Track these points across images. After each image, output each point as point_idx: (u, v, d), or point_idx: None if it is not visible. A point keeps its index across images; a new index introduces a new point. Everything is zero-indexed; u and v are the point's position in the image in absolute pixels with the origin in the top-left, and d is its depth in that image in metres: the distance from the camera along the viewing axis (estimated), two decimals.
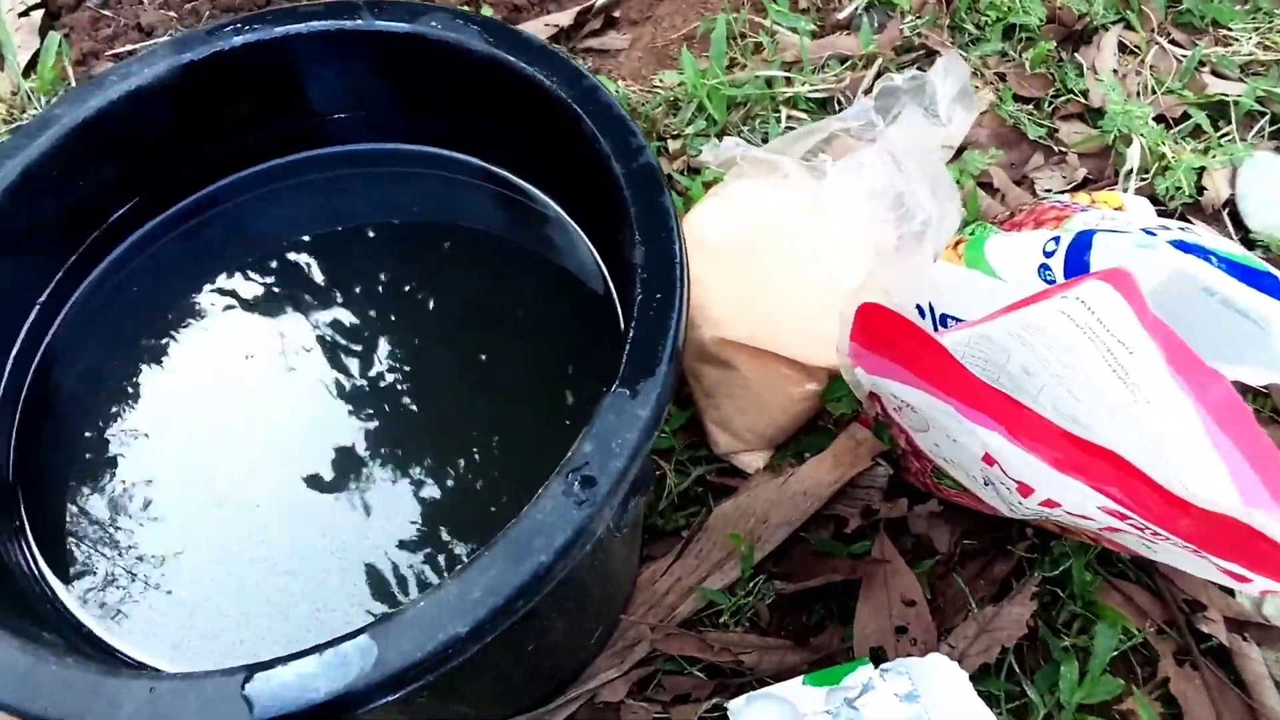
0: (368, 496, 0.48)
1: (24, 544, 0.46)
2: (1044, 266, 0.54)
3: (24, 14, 0.99)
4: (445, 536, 0.48)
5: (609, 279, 0.51)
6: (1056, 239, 0.52)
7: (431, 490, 0.49)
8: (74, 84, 0.93)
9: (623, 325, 0.50)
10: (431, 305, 0.53)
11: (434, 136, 0.54)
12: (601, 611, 0.59)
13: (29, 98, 0.91)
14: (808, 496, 0.65)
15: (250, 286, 0.54)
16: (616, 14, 0.96)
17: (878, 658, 0.61)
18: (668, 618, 0.63)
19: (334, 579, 0.46)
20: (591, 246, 0.52)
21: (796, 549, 0.65)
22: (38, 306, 0.51)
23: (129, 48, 0.98)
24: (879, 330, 0.47)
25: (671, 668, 0.62)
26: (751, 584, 0.63)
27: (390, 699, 0.35)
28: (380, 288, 0.54)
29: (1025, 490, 0.45)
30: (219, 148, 0.54)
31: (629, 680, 0.62)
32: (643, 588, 0.65)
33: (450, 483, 0.49)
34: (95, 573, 0.45)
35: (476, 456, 0.49)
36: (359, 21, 0.50)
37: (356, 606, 0.45)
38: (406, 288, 0.54)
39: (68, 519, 0.47)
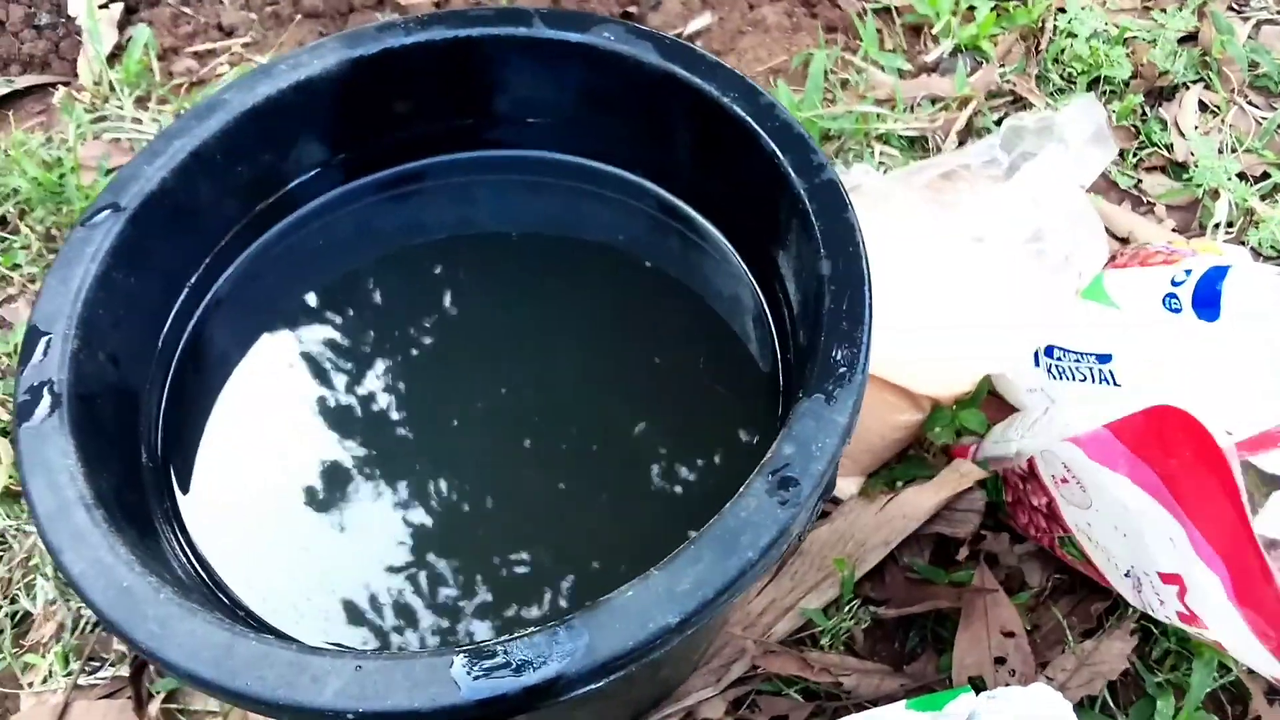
0: (514, 494, 0.48)
1: (178, 526, 0.46)
2: (1170, 295, 0.55)
3: (103, 6, 0.99)
4: (584, 542, 0.48)
5: (764, 300, 0.51)
6: (1188, 270, 0.54)
7: (574, 497, 0.49)
8: (158, 78, 0.93)
9: (779, 350, 0.50)
10: (578, 318, 0.54)
11: (597, 150, 0.55)
12: (715, 625, 0.59)
13: (113, 88, 0.91)
14: (905, 519, 0.66)
15: (391, 279, 0.55)
16: (700, 44, 0.98)
17: (976, 687, 0.61)
18: (765, 635, 0.63)
19: (477, 578, 0.46)
20: (746, 268, 0.52)
21: (891, 574, 0.65)
22: (188, 287, 0.51)
23: (209, 46, 0.99)
24: (1165, 433, 0.45)
25: (768, 689, 0.62)
26: (848, 608, 0.63)
27: (596, 686, 0.35)
28: (522, 298, 0.55)
29: (1189, 619, 0.46)
30: (377, 142, 0.54)
31: (725, 699, 0.62)
32: (736, 608, 0.65)
33: (592, 490, 0.49)
34: (243, 547, 0.45)
35: (624, 464, 0.50)
36: (530, 29, 0.51)
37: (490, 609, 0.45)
38: (546, 301, 0.54)
39: (214, 493, 0.47)
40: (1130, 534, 0.51)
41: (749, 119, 0.47)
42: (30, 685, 0.63)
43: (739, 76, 0.49)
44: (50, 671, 0.63)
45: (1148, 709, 0.60)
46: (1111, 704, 0.61)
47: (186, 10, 1.01)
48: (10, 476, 0.68)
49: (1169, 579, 0.49)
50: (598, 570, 0.45)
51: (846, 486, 0.68)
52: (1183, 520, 0.46)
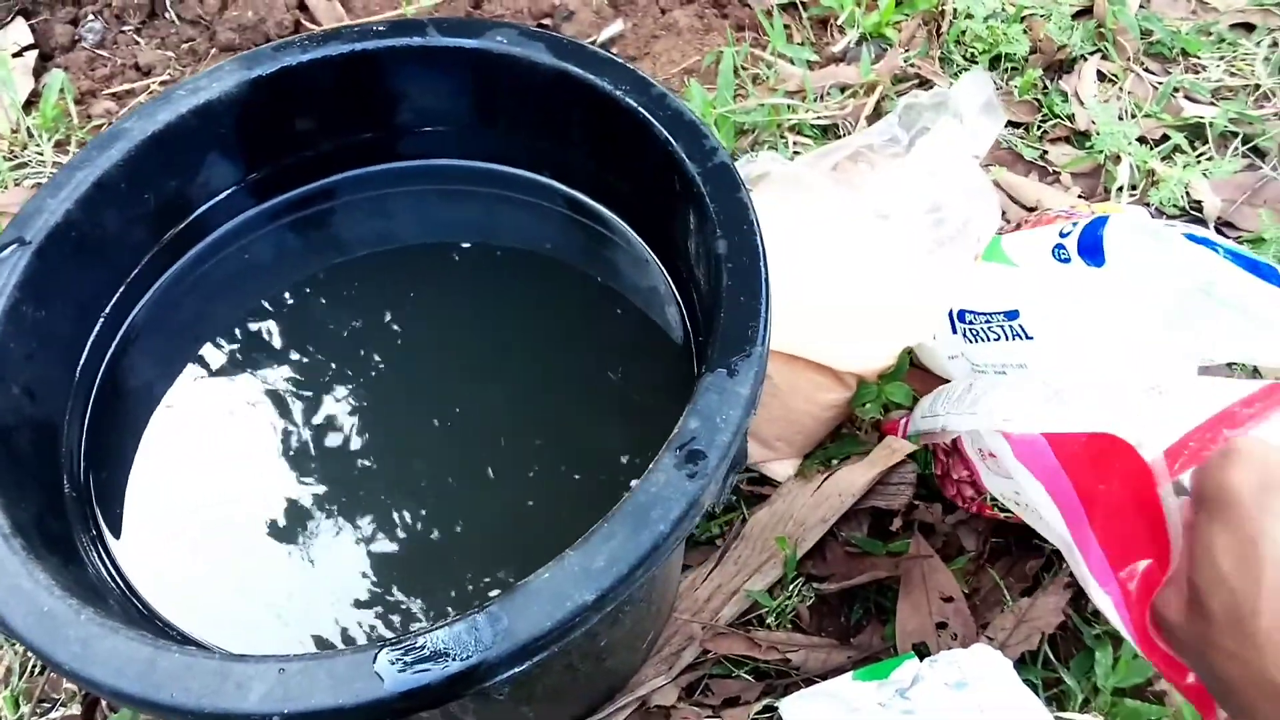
0: (437, 493, 0.49)
1: (101, 546, 0.46)
2: (1059, 246, 0.57)
3: (17, 55, 0.99)
4: (512, 530, 0.48)
5: (673, 286, 0.53)
6: (1074, 223, 0.56)
7: (500, 485, 0.49)
8: (75, 121, 0.93)
9: (691, 330, 0.52)
10: (495, 312, 0.55)
11: (498, 153, 0.56)
12: (657, 614, 0.60)
13: (30, 135, 0.91)
14: (841, 496, 0.67)
15: (302, 301, 0.55)
16: (615, 49, 0.99)
17: (920, 653, 0.63)
18: (713, 620, 0.64)
19: (412, 569, 0.47)
20: (653, 255, 0.53)
21: (831, 550, 0.66)
22: (103, 316, 0.51)
23: (127, 86, 0.99)
24: (1105, 461, 0.46)
25: (719, 671, 0.63)
26: (791, 586, 0.65)
27: (520, 669, 0.36)
28: (441, 300, 0.55)
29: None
30: (282, 162, 0.55)
31: (678, 685, 0.62)
32: (683, 595, 0.66)
33: (518, 478, 0.50)
34: (172, 570, 0.45)
35: (545, 451, 0.50)
36: (425, 38, 0.52)
37: (437, 593, 0.46)
38: (465, 300, 0.55)
39: (141, 518, 0.47)
40: (1042, 527, 0.53)
41: (641, 109, 0.49)
42: None
43: (630, 70, 0.50)
44: (1, 716, 0.62)
45: (1087, 661, 0.62)
46: (1053, 658, 0.63)
47: (102, 53, 1.01)
48: None
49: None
50: (522, 556, 0.46)
51: (783, 469, 0.70)
52: (1086, 543, 0.47)
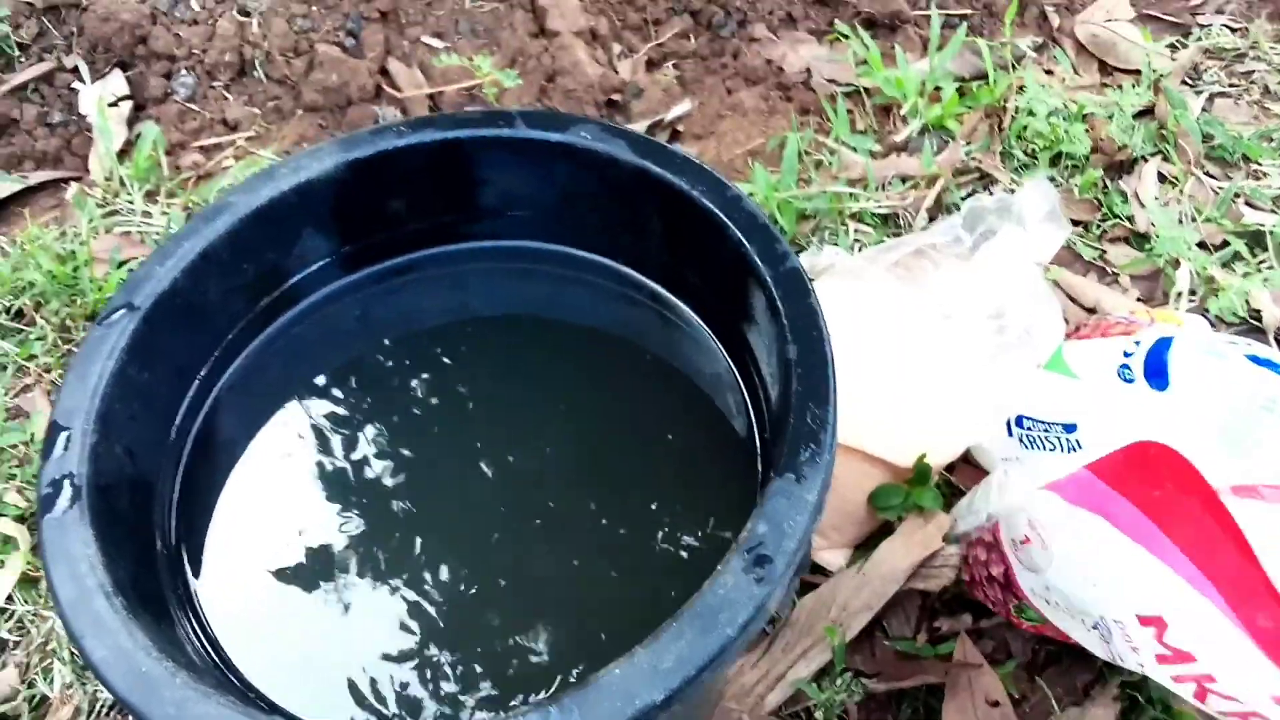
0: (500, 564, 0.51)
1: (190, 610, 0.48)
2: (1123, 367, 0.58)
3: (113, 104, 1.04)
4: (573, 620, 0.50)
5: (740, 382, 0.54)
6: (1137, 342, 0.57)
7: (564, 572, 0.51)
8: (165, 172, 0.97)
9: (757, 428, 0.53)
10: (565, 387, 0.57)
11: (578, 239, 0.58)
12: (708, 702, 0.61)
13: (123, 183, 0.96)
14: (885, 580, 0.68)
15: (384, 368, 0.58)
16: (681, 128, 1.02)
17: None
18: (757, 707, 0.64)
19: (480, 640, 0.48)
20: (724, 350, 0.55)
21: (879, 646, 0.67)
22: (198, 379, 0.54)
23: (214, 140, 1.03)
24: (1149, 468, 0.47)
25: None
26: (840, 680, 0.65)
27: None
28: (513, 379, 0.58)
29: (1170, 659, 0.48)
30: (372, 238, 0.58)
31: None
32: (731, 681, 0.66)
33: (581, 563, 0.51)
34: (261, 636, 0.47)
35: (606, 545, 0.52)
36: (513, 130, 0.55)
37: (506, 668, 0.47)
38: (537, 380, 0.57)
39: (231, 582, 0.49)
40: (1103, 581, 0.53)
41: (717, 210, 0.51)
42: None
43: (708, 170, 0.52)
44: None
45: None
46: None
47: (193, 106, 1.06)
48: (28, 563, 0.70)
49: (1148, 621, 0.51)
50: (588, 642, 0.47)
51: (835, 558, 0.71)
52: (1168, 553, 0.48)
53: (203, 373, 0.54)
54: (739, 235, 0.50)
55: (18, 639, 0.69)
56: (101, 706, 0.65)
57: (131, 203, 0.93)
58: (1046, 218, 0.61)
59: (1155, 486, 0.47)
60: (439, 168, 0.56)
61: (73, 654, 0.67)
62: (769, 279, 0.48)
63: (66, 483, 0.43)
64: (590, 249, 0.59)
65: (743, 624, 0.38)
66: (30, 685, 0.67)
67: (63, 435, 0.45)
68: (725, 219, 0.51)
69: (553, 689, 0.45)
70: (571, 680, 0.38)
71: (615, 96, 1.03)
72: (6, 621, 0.69)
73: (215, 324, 0.54)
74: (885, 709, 0.65)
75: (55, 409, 0.46)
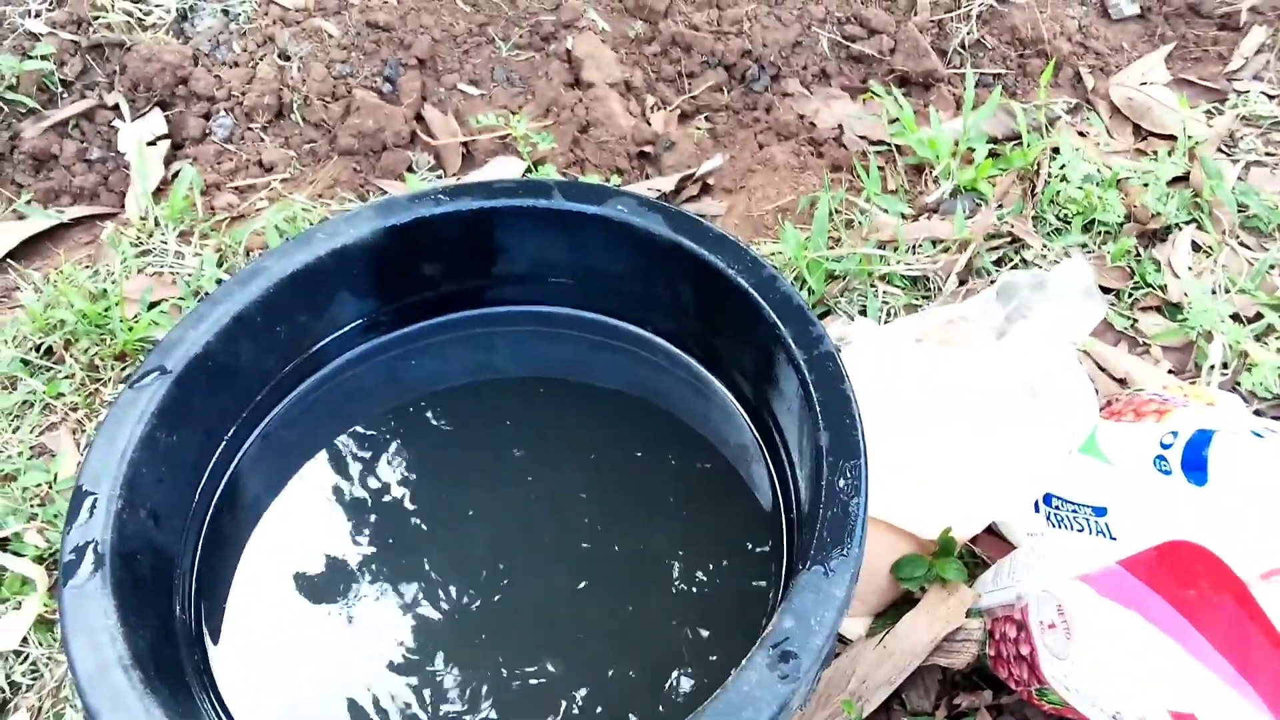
0: (534, 636, 0.50)
1: (208, 679, 0.48)
2: (1160, 458, 0.57)
3: (151, 143, 1.06)
4: (596, 687, 0.49)
5: (769, 462, 0.54)
6: (1174, 433, 0.56)
7: (586, 641, 0.51)
8: (200, 213, 0.98)
9: (784, 511, 0.53)
10: (593, 467, 0.56)
11: (612, 308, 0.58)
12: None
13: (157, 223, 0.97)
14: (906, 655, 0.67)
15: (418, 430, 0.58)
16: (712, 182, 1.02)
17: None
18: None
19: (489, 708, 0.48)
20: (754, 428, 0.55)
21: (898, 717, 0.66)
22: (225, 440, 0.54)
23: (249, 181, 1.04)
24: (1183, 566, 0.47)
25: None
26: None
27: None
28: (543, 442, 0.58)
29: None
30: (405, 301, 0.58)
31: None
32: None
33: (605, 633, 0.51)
34: (279, 707, 0.47)
35: (623, 621, 0.52)
36: (550, 201, 0.55)
37: None
38: (567, 446, 0.57)
39: (247, 649, 0.49)
40: (1133, 676, 0.52)
41: (752, 290, 0.51)
42: None
43: (743, 249, 0.52)
44: None
45: None
46: None
47: (229, 147, 1.07)
48: (44, 605, 0.70)
49: (1180, 718, 0.50)
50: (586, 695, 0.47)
51: (855, 627, 0.70)
52: (1203, 650, 0.47)
53: (230, 434, 0.54)
54: (774, 316, 0.50)
55: (30, 682, 0.69)
56: None
57: (165, 243, 0.94)
58: (1083, 295, 0.60)
59: (1189, 585, 0.46)
60: (474, 235, 0.57)
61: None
62: (803, 362, 0.48)
63: (90, 550, 0.43)
64: (622, 317, 0.59)
65: None
66: None
67: (88, 500, 0.45)
68: (760, 299, 0.51)
69: None
70: None
71: (647, 149, 1.04)
72: (21, 664, 0.69)
73: (246, 385, 0.55)
74: None
75: (82, 473, 0.46)
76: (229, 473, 0.54)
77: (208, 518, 0.53)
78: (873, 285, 0.84)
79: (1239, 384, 0.78)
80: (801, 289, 0.85)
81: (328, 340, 0.57)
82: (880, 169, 0.96)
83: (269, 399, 0.56)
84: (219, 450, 0.54)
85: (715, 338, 0.56)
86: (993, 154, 0.95)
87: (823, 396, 0.47)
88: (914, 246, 0.87)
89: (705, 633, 0.50)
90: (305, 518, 0.54)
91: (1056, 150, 0.94)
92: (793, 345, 0.49)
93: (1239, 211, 0.91)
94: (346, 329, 0.57)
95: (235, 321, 0.52)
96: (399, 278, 0.57)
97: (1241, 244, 0.89)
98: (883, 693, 0.65)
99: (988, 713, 0.65)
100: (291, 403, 0.57)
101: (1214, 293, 0.84)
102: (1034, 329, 0.59)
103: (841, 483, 0.44)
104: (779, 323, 0.49)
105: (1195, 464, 0.53)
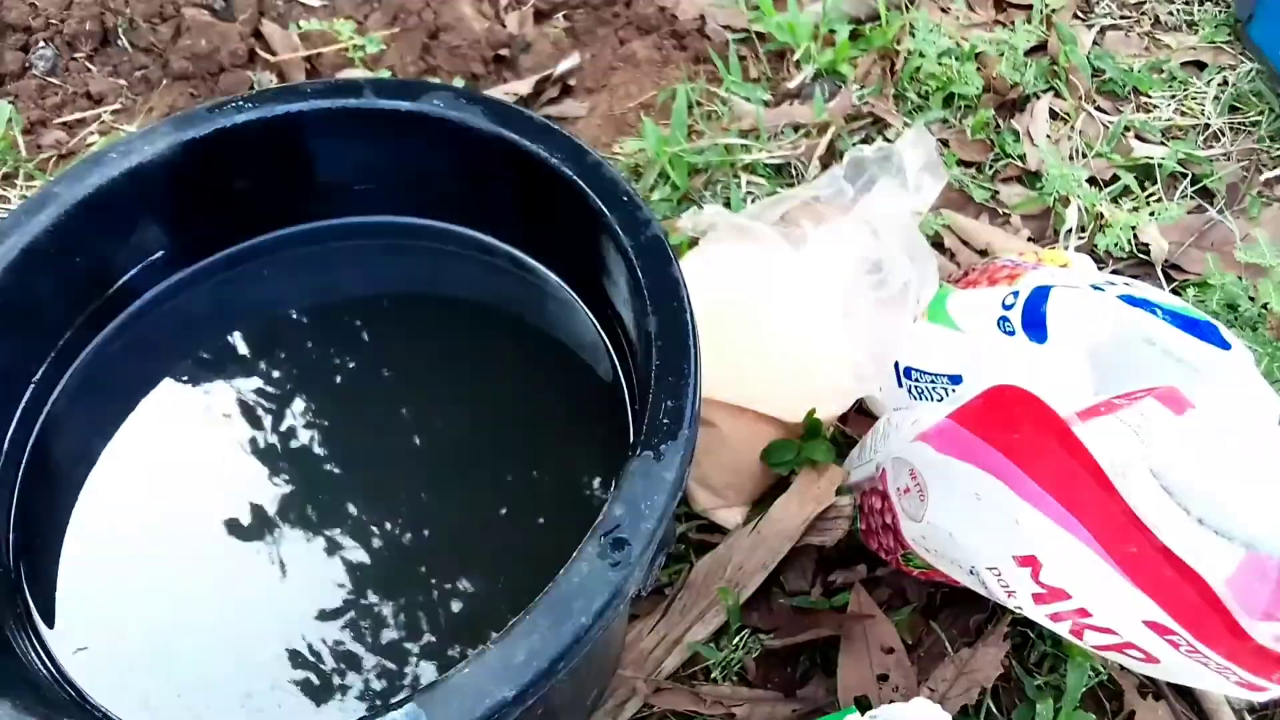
0: (361, 566, 0.49)
1: (31, 629, 0.45)
2: (1003, 319, 0.58)
3: None
4: (449, 606, 0.48)
5: (610, 349, 0.53)
6: (1015, 293, 0.56)
7: (431, 559, 0.49)
8: (24, 153, 0.91)
9: (628, 394, 0.52)
10: (432, 374, 0.54)
11: (438, 211, 0.55)
12: (601, 671, 0.60)
13: None
14: (780, 537, 0.68)
15: (244, 357, 0.55)
16: (572, 82, 0.99)
17: (863, 705, 0.63)
18: (655, 672, 0.64)
19: (328, 653, 0.46)
20: (593, 317, 0.53)
21: (775, 601, 0.66)
22: (32, 384, 0.50)
23: (78, 115, 0.97)
24: (1006, 411, 0.47)
25: None
26: (737, 638, 0.65)
27: None
28: (381, 359, 0.55)
29: (1048, 597, 0.48)
30: (216, 221, 0.54)
31: None
32: (630, 646, 0.66)
33: (450, 550, 0.50)
34: (109, 656, 0.45)
35: (479, 523, 0.50)
36: (361, 100, 0.52)
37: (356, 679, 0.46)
38: (405, 359, 0.55)
39: (75, 599, 0.46)
40: (978, 527, 0.53)
41: (577, 179, 0.48)
42: None
43: (567, 138, 0.50)
44: None
45: (1028, 712, 0.63)
46: (995, 710, 0.63)
47: (53, 80, 0.99)
48: None
49: (1024, 561, 0.51)
50: (450, 628, 0.46)
51: (731, 517, 0.70)
52: (1033, 493, 0.48)
53: (38, 376, 0.50)
54: (599, 203, 0.48)
55: None
56: None
57: None
58: (924, 168, 0.59)
59: (1014, 429, 0.47)
60: (284, 143, 0.53)
61: None
62: (630, 248, 0.46)
63: None
64: (452, 219, 0.56)
65: (597, 611, 0.37)
66: None
67: None
68: (585, 186, 0.48)
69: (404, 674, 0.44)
70: (424, 685, 0.36)
71: (503, 52, 0.99)
72: None
73: (48, 323, 0.51)
74: (783, 664, 0.65)
75: None
76: (43, 416, 0.51)
77: (22, 467, 0.49)
78: (735, 176, 0.83)
79: (1095, 245, 0.80)
80: (665, 184, 0.83)
81: (137, 270, 0.53)
82: (742, 58, 0.93)
83: (78, 337, 0.52)
84: (27, 395, 0.50)
85: (548, 232, 0.53)
86: (854, 35, 0.94)
87: (650, 281, 0.45)
88: (775, 134, 0.86)
89: (553, 530, 0.49)
90: (135, 459, 0.51)
91: (914, 29, 0.93)
92: (620, 232, 0.47)
93: (1094, 76, 0.91)
94: (156, 256, 0.53)
95: (24, 254, 0.47)
96: (206, 196, 0.53)
97: (1098, 109, 0.90)
98: (758, 577, 0.66)
99: (863, 586, 0.66)
100: (106, 340, 0.53)
101: (1071, 158, 0.85)
102: (877, 203, 0.59)
103: (669, 366, 0.43)
104: (605, 210, 0.47)
105: (1035, 321, 0.53)
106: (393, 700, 0.36)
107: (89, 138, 0.95)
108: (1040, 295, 0.54)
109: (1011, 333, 0.54)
